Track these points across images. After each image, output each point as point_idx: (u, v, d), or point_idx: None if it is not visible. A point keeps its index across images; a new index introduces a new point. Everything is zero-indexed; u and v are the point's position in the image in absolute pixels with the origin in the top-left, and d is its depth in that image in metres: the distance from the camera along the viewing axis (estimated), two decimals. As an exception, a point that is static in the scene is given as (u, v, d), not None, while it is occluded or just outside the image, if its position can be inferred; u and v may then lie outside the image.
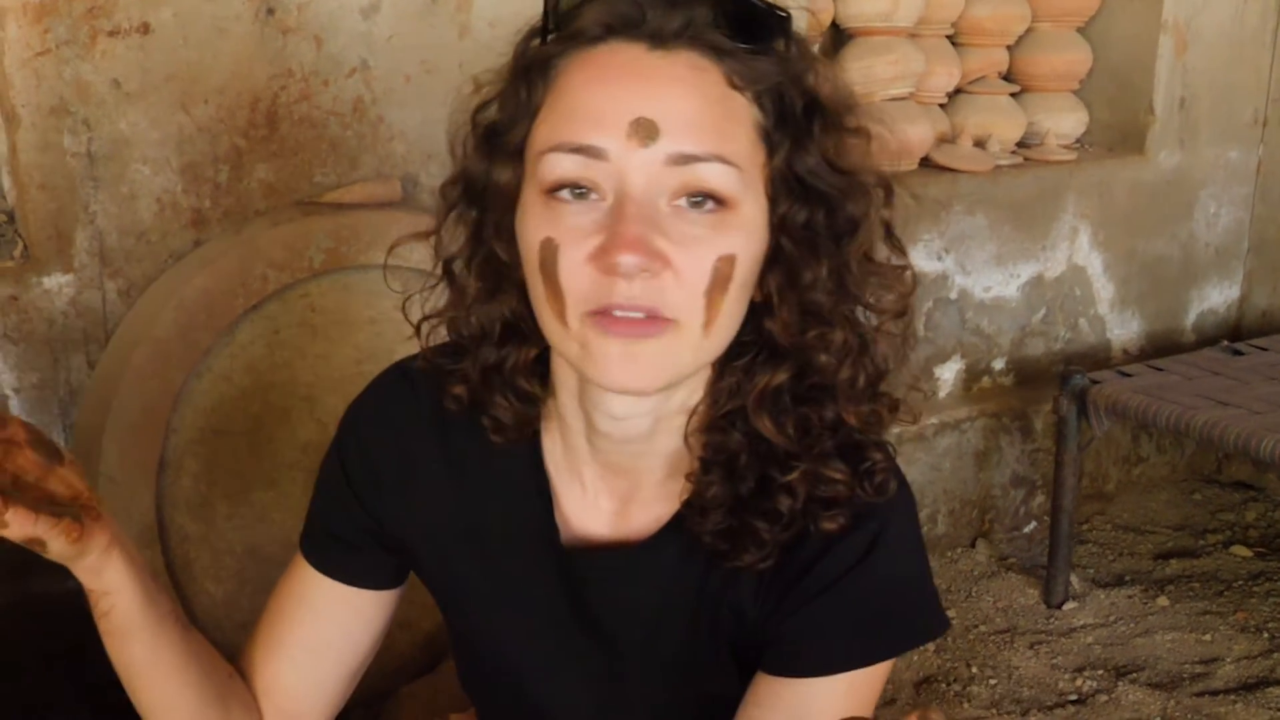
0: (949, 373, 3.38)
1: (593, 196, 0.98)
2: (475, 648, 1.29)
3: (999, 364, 3.47)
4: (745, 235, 1.00)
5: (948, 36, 3.43)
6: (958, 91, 3.50)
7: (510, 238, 1.06)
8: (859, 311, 1.07)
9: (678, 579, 1.14)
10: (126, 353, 2.18)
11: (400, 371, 1.23)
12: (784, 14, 1.01)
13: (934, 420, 3.30)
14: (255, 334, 2.23)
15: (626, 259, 0.94)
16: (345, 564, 1.24)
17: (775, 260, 1.04)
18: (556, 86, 1.01)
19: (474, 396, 1.14)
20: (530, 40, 1.06)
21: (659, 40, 0.98)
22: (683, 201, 0.98)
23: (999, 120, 3.46)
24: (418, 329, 1.18)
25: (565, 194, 0.99)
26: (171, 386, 2.17)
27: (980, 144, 3.41)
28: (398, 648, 2.37)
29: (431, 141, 2.44)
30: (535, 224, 1.00)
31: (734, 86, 0.99)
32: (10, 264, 2.23)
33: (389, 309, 2.25)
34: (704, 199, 0.98)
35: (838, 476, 1.06)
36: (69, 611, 2.26)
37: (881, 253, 1.08)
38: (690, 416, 1.11)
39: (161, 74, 2.21)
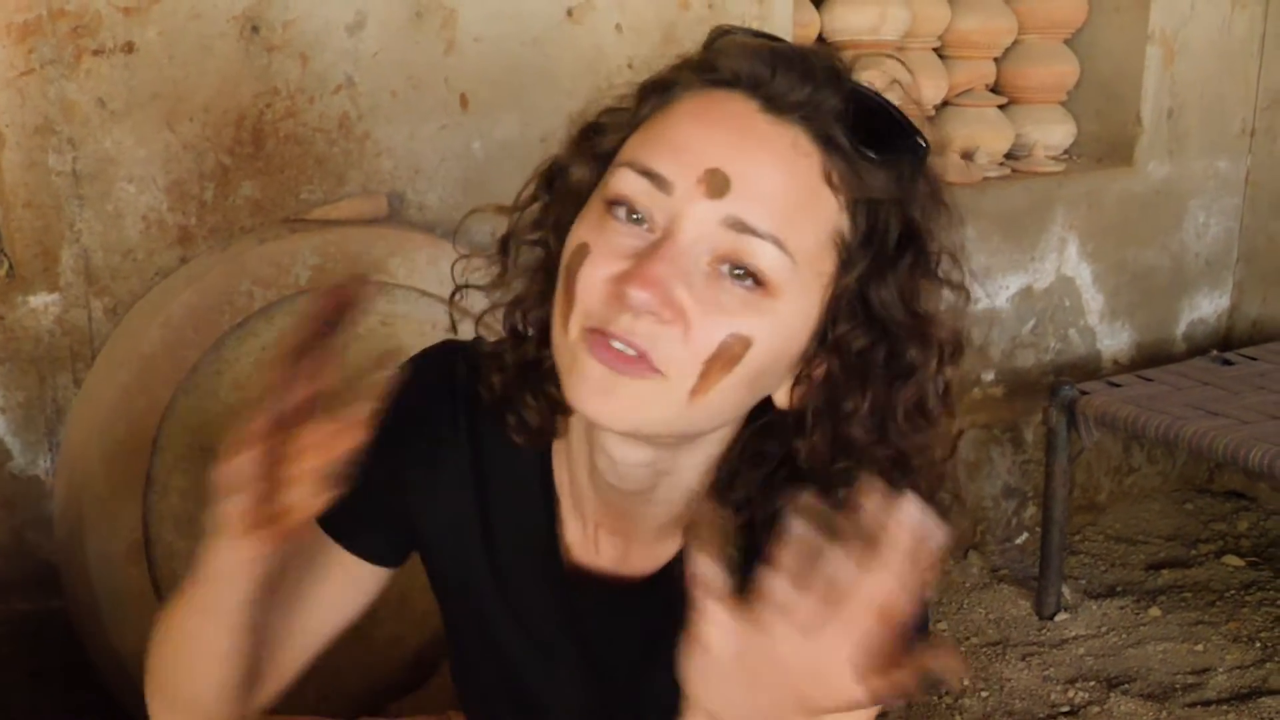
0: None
1: (644, 225, 0.97)
2: (468, 642, 1.30)
3: (989, 375, 3.47)
4: (774, 326, 0.98)
5: (935, 49, 3.44)
6: (945, 104, 3.50)
7: (565, 236, 1.05)
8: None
9: (673, 618, 1.14)
10: (113, 371, 2.17)
11: (444, 351, 1.24)
12: (919, 139, 1.01)
13: (924, 432, 3.29)
14: (242, 351, 2.23)
15: (639, 295, 0.93)
16: (357, 535, 1.26)
17: (823, 380, 1.03)
18: (665, 110, 1.01)
19: (506, 390, 1.14)
20: (677, 65, 1.06)
21: (775, 106, 0.98)
22: (725, 268, 0.96)
23: (987, 132, 3.46)
24: (478, 320, 1.19)
25: (620, 212, 0.98)
26: (158, 404, 2.16)
27: (968, 156, 3.42)
28: (386, 665, 2.37)
29: (418, 157, 2.45)
30: (583, 227, 1.00)
31: (829, 184, 0.98)
32: (-5, 283, 2.23)
33: (374, 325, 2.26)
34: (745, 274, 0.96)
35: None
36: (56, 630, 2.27)
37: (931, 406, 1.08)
38: (703, 477, 1.10)
39: (147, 92, 2.21)
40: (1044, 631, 3.06)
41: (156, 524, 2.21)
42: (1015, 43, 3.56)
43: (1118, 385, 3.07)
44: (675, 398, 0.97)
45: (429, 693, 2.33)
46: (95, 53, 2.17)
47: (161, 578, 2.22)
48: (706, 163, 0.95)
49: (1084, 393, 2.98)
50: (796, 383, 1.04)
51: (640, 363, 0.95)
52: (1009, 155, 3.57)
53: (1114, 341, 3.70)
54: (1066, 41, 3.64)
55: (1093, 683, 2.82)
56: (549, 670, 1.24)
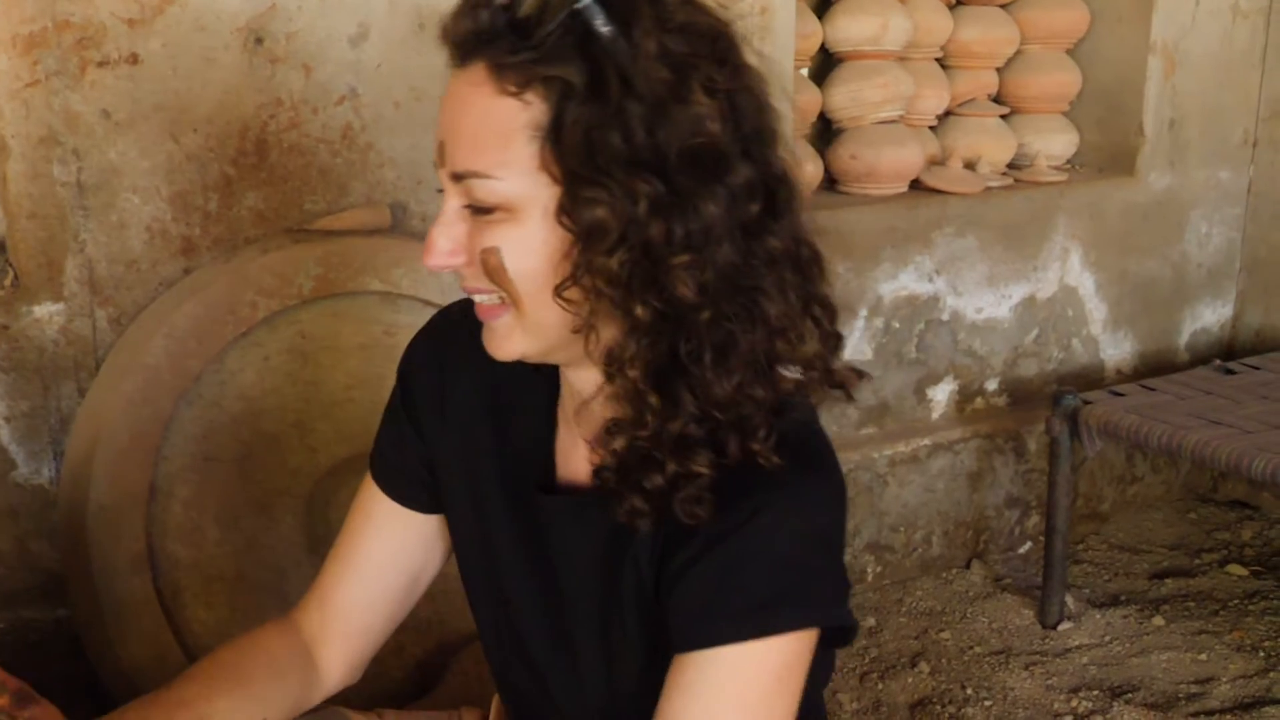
0: (942, 394, 3.38)
1: None
2: (466, 576, 1.38)
3: (992, 385, 3.47)
4: (517, 232, 1.05)
5: (937, 59, 3.46)
6: (947, 114, 3.52)
7: None
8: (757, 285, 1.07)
9: (605, 531, 1.17)
10: (117, 380, 2.18)
11: (459, 307, 1.30)
12: (573, 14, 1.01)
13: (927, 441, 3.30)
14: (245, 361, 2.24)
15: (427, 265, 1.09)
16: (398, 484, 1.38)
17: (603, 269, 1.05)
18: None
19: None
20: None
21: (459, 57, 1.07)
22: (469, 210, 1.08)
23: (989, 142, 3.48)
24: None
25: None
26: (162, 414, 2.17)
27: (970, 166, 3.43)
28: (390, 674, 2.37)
29: (421, 168, 2.45)
30: None
31: (508, 94, 1.02)
32: (0, 293, 2.23)
33: (379, 334, 2.26)
34: (477, 209, 1.07)
35: (698, 468, 1.08)
36: (59, 640, 2.27)
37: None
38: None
39: (150, 103, 2.23)
40: (1047, 641, 3.05)
41: (159, 533, 2.22)
42: (1017, 53, 3.58)
43: (1121, 394, 3.07)
44: (512, 320, 1.10)
45: (432, 701, 2.33)
46: (100, 64, 2.18)
47: (164, 586, 2.23)
48: (437, 141, 1.09)
49: (1087, 402, 2.98)
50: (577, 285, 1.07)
51: (486, 309, 1.12)
52: (1011, 165, 3.59)
53: (1117, 351, 3.70)
54: (1068, 52, 3.65)
55: (1096, 692, 2.82)
56: (524, 602, 1.30)
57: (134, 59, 2.21)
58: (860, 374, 1.20)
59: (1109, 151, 3.68)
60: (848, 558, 3.20)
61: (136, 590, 2.18)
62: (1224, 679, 2.87)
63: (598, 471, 1.14)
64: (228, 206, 2.32)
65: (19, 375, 2.26)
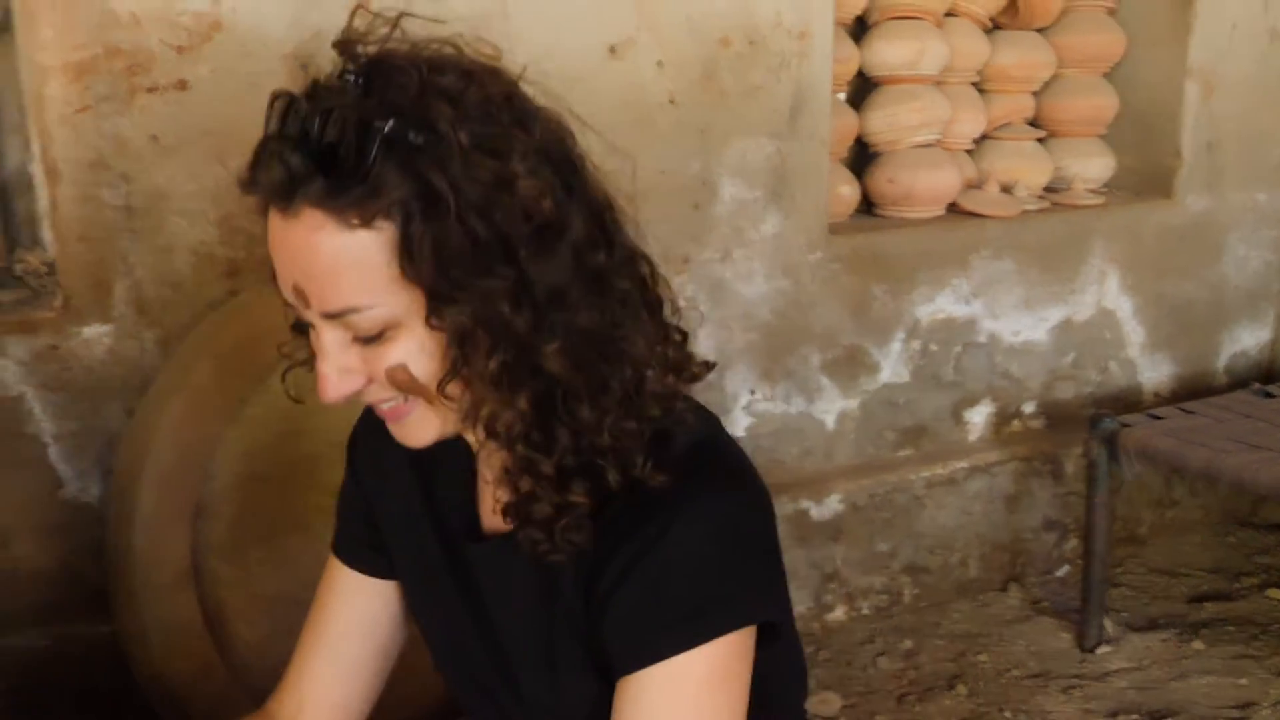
0: (979, 416, 3.39)
1: None
2: (424, 631, 1.41)
3: (1029, 407, 3.48)
4: (411, 344, 1.08)
5: (974, 84, 3.47)
6: (984, 137, 3.53)
7: None
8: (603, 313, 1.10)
9: (531, 572, 1.20)
10: (164, 401, 2.22)
11: None
12: (378, 135, 1.01)
13: (964, 464, 3.31)
14: (289, 383, 2.26)
15: (329, 399, 1.11)
16: (359, 555, 1.42)
17: (456, 339, 1.08)
18: None
19: None
20: None
21: (282, 206, 1.05)
22: (356, 343, 1.09)
23: (1026, 165, 3.49)
24: None
25: None
26: (208, 434, 2.21)
27: (1007, 189, 3.44)
28: (427, 693, 2.39)
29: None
30: None
31: (354, 228, 1.02)
32: (50, 314, 2.28)
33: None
34: (366, 340, 1.08)
35: (576, 498, 1.11)
36: (104, 654, 2.30)
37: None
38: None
39: (198, 128, 2.27)
40: (1085, 664, 3.05)
41: (205, 551, 2.24)
42: (1054, 77, 3.59)
43: (1159, 418, 3.07)
44: (423, 411, 1.13)
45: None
46: (149, 90, 2.23)
47: (209, 604, 2.26)
48: (290, 285, 1.09)
49: (1125, 425, 2.98)
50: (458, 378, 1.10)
51: (393, 411, 1.14)
52: (1048, 188, 3.59)
53: (1155, 374, 3.70)
54: (1105, 76, 3.66)
55: (1135, 716, 2.81)
56: (461, 656, 1.33)
57: (182, 85, 2.25)
58: (709, 365, 1.23)
59: (1146, 174, 3.68)
60: (885, 579, 3.22)
61: (181, 607, 2.21)
62: (1264, 704, 2.86)
63: (504, 514, 1.17)
64: (272, 230, 2.35)
65: (67, 395, 2.30)
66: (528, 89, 1.12)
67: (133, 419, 2.30)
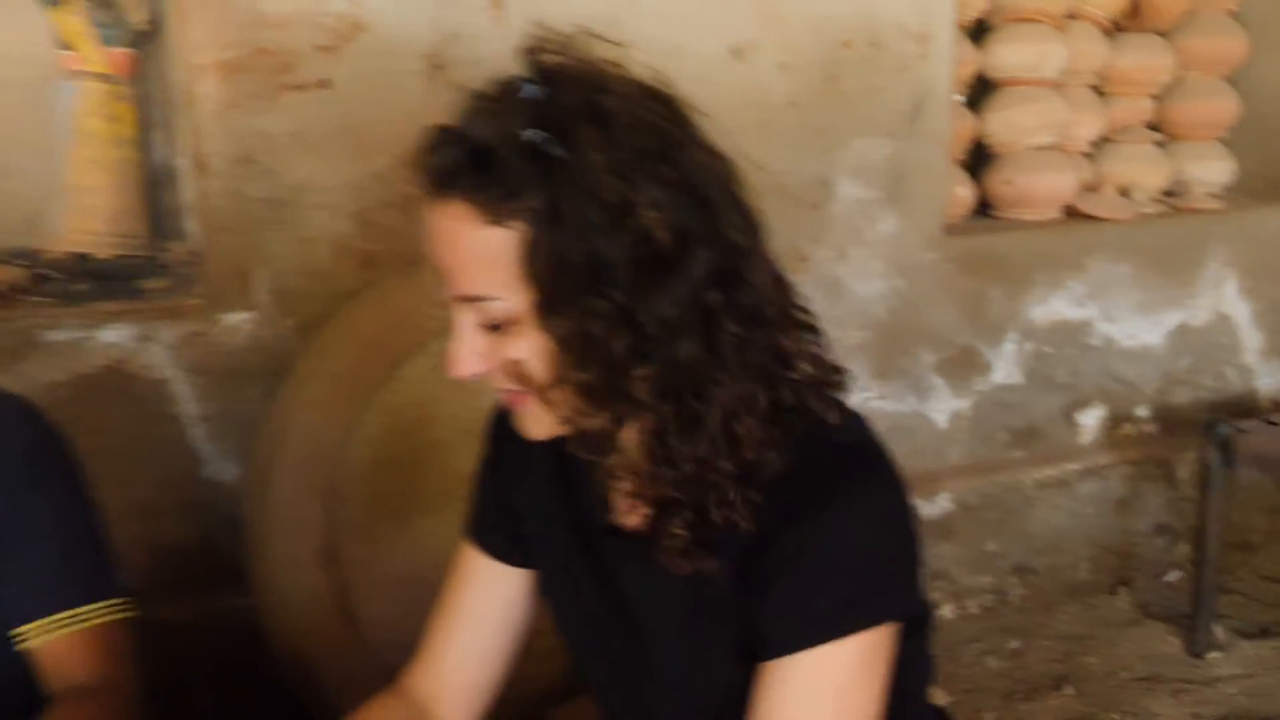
0: (1091, 419, 3.41)
1: None
2: (559, 618, 1.47)
3: (1143, 411, 3.49)
4: (531, 341, 1.14)
5: (1093, 86, 3.49)
6: (1103, 140, 3.55)
7: None
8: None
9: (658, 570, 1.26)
10: (302, 386, 2.33)
11: None
12: (526, 143, 1.09)
13: (1075, 466, 3.34)
14: (421, 370, 2.36)
15: (456, 375, 1.19)
16: (493, 541, 1.48)
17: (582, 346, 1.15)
18: None
19: None
20: None
21: (436, 193, 1.14)
22: (482, 326, 1.17)
23: (1144, 168, 3.51)
24: None
25: None
26: (344, 419, 2.31)
27: (1125, 192, 3.46)
28: (542, 677, 2.47)
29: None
30: None
31: (489, 224, 1.11)
32: (195, 302, 2.40)
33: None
34: (488, 327, 1.16)
35: (675, 529, 1.19)
36: (240, 627, 2.41)
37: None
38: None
39: (339, 125, 2.37)
40: (1195, 669, 3.06)
41: (337, 532, 2.34)
42: (1175, 80, 3.60)
43: (1275, 424, 3.07)
44: (538, 408, 1.20)
45: (583, 704, 2.43)
46: (293, 88, 2.34)
47: (340, 583, 2.36)
48: (437, 264, 1.17)
49: (1240, 431, 2.98)
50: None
51: (515, 398, 1.21)
52: (1167, 192, 3.60)
53: (1272, 380, 3.69)
54: (1226, 79, 3.65)
55: (1243, 722, 2.83)
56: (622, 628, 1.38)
57: (325, 84, 2.36)
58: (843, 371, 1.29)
59: (1267, 179, 3.68)
60: (993, 579, 3.26)
61: (316, 584, 2.31)
62: (1375, 713, 2.86)
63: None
64: (407, 223, 2.44)
65: (210, 379, 2.42)
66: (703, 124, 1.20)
67: (271, 403, 2.41)
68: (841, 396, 1.25)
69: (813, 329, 1.25)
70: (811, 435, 1.20)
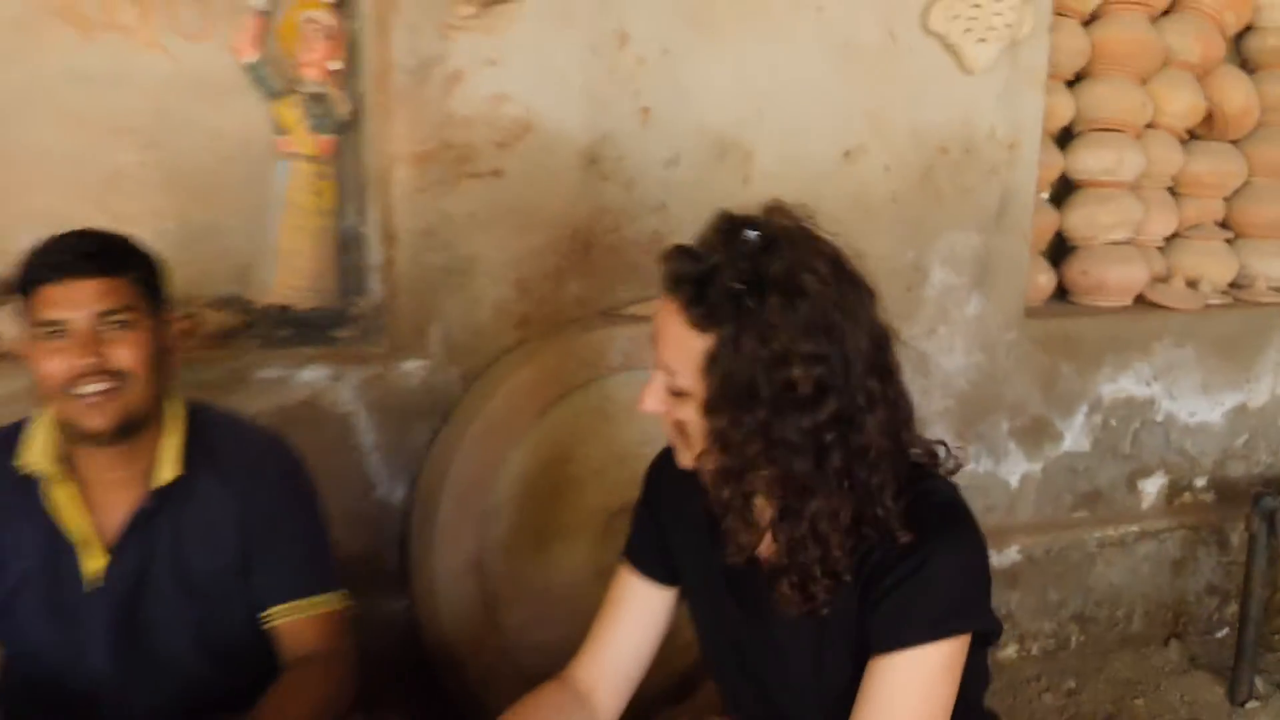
0: (1152, 486, 3.73)
1: None
2: (711, 635, 1.88)
3: (1200, 481, 3.81)
4: (693, 410, 1.57)
5: (1168, 188, 3.82)
6: (1175, 236, 3.87)
7: None
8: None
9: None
10: (464, 425, 2.75)
11: None
12: (731, 288, 1.50)
13: (1135, 528, 3.67)
14: (563, 417, 2.78)
15: (643, 410, 1.63)
16: (647, 564, 1.89)
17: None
18: None
19: None
20: None
21: (665, 288, 1.57)
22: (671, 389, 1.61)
23: (1212, 263, 3.83)
24: None
25: None
26: (497, 454, 2.73)
27: (1193, 284, 3.79)
28: (655, 683, 2.85)
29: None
30: None
31: (691, 327, 1.54)
32: (378, 350, 2.83)
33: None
34: (674, 390, 1.59)
35: (784, 589, 1.61)
36: (396, 626, 2.78)
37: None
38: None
39: (507, 208, 2.80)
40: (1234, 716, 3.36)
41: (488, 548, 2.76)
42: (1245, 184, 3.92)
43: (1318, 500, 3.37)
44: (684, 447, 1.64)
45: (691, 704, 2.82)
46: (471, 176, 2.77)
47: (488, 591, 2.77)
48: (653, 330, 1.62)
49: (1285, 504, 3.30)
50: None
51: (676, 437, 1.65)
52: (1232, 285, 3.92)
53: (1326, 459, 3.99)
54: (1294, 184, 3.95)
55: (1275, 767, 3.14)
56: (767, 642, 1.77)
57: (498, 173, 2.79)
58: (942, 453, 1.70)
59: (1329, 276, 3.95)
60: (1054, 624, 3.59)
61: (468, 593, 2.73)
62: (1396, 767, 3.15)
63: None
64: (557, 291, 2.88)
65: (386, 415, 2.84)
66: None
67: (437, 438, 2.83)
68: (942, 461, 1.67)
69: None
70: (920, 495, 1.60)
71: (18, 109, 2.72)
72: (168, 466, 1.95)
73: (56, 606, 1.94)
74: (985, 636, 1.66)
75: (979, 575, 1.64)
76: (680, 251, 1.57)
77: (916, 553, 1.56)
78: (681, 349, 1.55)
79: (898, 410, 1.60)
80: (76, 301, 1.82)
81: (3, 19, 2.69)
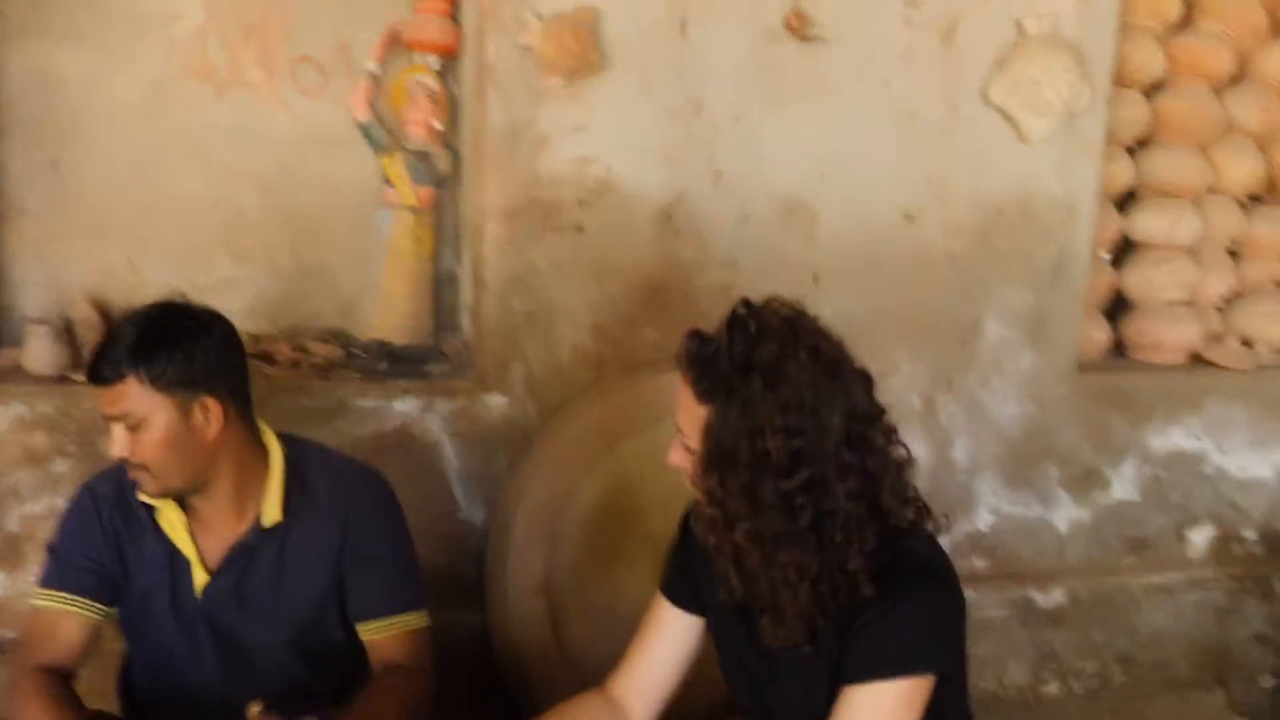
0: (1200, 537, 3.86)
1: None
2: (721, 654, 2.11)
3: (1249, 534, 3.92)
4: (698, 470, 1.82)
5: (1228, 250, 3.94)
6: (1234, 295, 3.98)
7: None
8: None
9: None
10: (540, 455, 2.99)
11: None
12: (723, 371, 1.75)
13: (1182, 576, 3.81)
14: (632, 452, 3.00)
15: (669, 463, 1.89)
16: (680, 597, 2.13)
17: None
18: None
19: None
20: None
21: (678, 362, 1.83)
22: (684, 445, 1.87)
23: (1268, 324, 3.94)
24: None
25: None
26: (569, 484, 2.97)
27: (1248, 344, 3.91)
28: (705, 698, 3.05)
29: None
30: None
31: (695, 398, 1.79)
32: (466, 384, 3.10)
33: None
34: (687, 447, 1.85)
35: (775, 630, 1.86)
36: (470, 637, 3.02)
37: None
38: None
39: (586, 260, 3.06)
40: (1270, 763, 3.50)
41: (556, 569, 2.99)
42: (1304, 247, 4.01)
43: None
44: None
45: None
46: (556, 230, 3.03)
47: (554, 608, 3.00)
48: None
49: (1328, 558, 3.43)
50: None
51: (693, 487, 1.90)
52: (1288, 346, 4.01)
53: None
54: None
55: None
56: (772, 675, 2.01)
57: (579, 228, 3.04)
58: (926, 516, 1.91)
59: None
60: (1097, 665, 3.74)
61: (536, 609, 2.97)
62: None
63: None
64: (631, 337, 3.13)
65: (470, 444, 3.11)
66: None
67: (515, 466, 3.08)
68: (925, 525, 1.89)
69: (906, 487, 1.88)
70: (901, 552, 1.83)
71: (159, 159, 3.04)
72: (271, 510, 2.17)
73: (178, 613, 2.18)
74: (946, 678, 1.86)
75: (943, 624, 1.85)
76: (693, 335, 1.83)
77: (885, 600, 1.78)
78: (689, 416, 1.81)
79: (875, 480, 1.81)
80: (101, 402, 2.04)
81: (148, 79, 3.02)
